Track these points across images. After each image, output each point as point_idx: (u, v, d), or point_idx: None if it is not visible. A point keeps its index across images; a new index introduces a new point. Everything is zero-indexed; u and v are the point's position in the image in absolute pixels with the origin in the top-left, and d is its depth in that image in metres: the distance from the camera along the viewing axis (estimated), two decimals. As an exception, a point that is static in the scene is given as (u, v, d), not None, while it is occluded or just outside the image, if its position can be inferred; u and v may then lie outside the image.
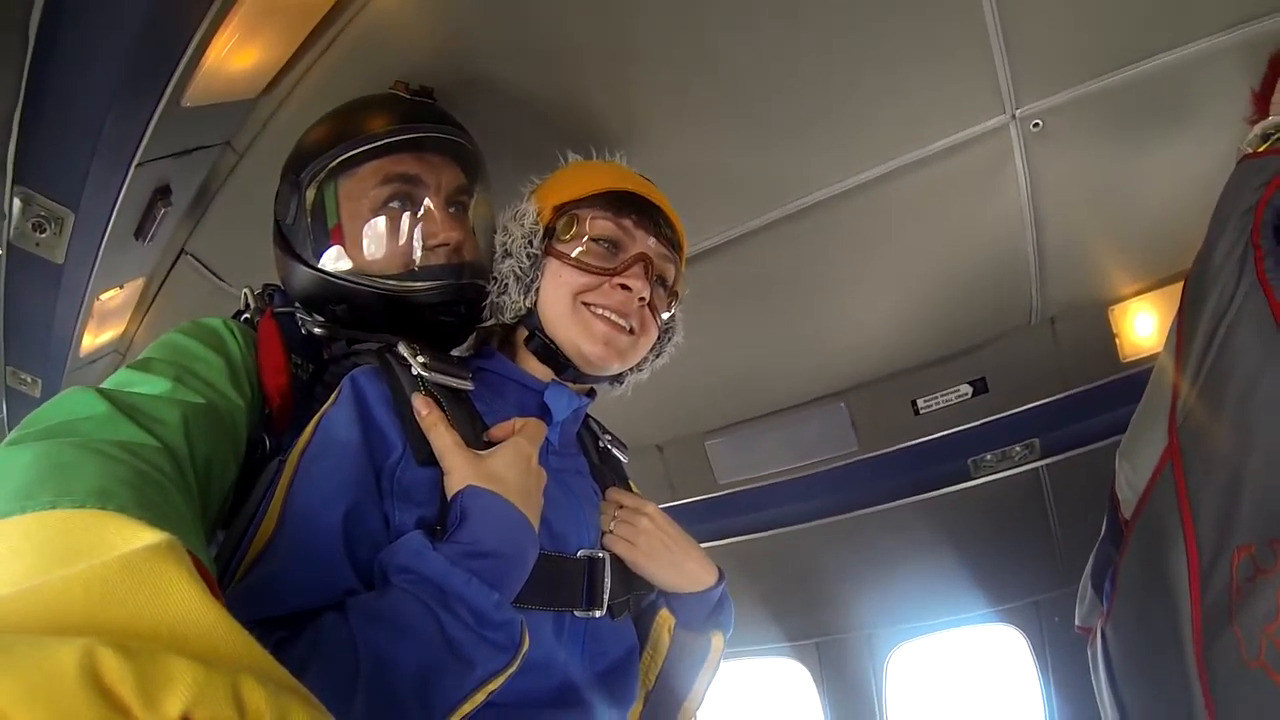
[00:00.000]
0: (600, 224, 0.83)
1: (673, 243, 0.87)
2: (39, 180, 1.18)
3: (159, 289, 1.60)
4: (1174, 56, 1.14)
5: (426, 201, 0.87)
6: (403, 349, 0.75)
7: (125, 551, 0.33)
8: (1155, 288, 1.69)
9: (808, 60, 1.11)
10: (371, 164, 0.87)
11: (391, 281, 0.84)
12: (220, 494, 0.67)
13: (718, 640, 0.90)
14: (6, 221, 1.23)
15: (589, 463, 0.91)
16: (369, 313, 0.85)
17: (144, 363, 0.70)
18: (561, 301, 0.81)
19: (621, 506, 0.85)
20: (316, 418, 0.69)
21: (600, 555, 0.78)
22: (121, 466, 0.48)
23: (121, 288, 1.54)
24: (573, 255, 0.82)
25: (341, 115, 0.92)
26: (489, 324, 0.87)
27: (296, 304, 0.89)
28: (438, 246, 0.86)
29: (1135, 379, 1.78)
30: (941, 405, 1.73)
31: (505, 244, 0.85)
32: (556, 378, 0.83)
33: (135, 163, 1.13)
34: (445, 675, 0.57)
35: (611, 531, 0.82)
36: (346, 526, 0.61)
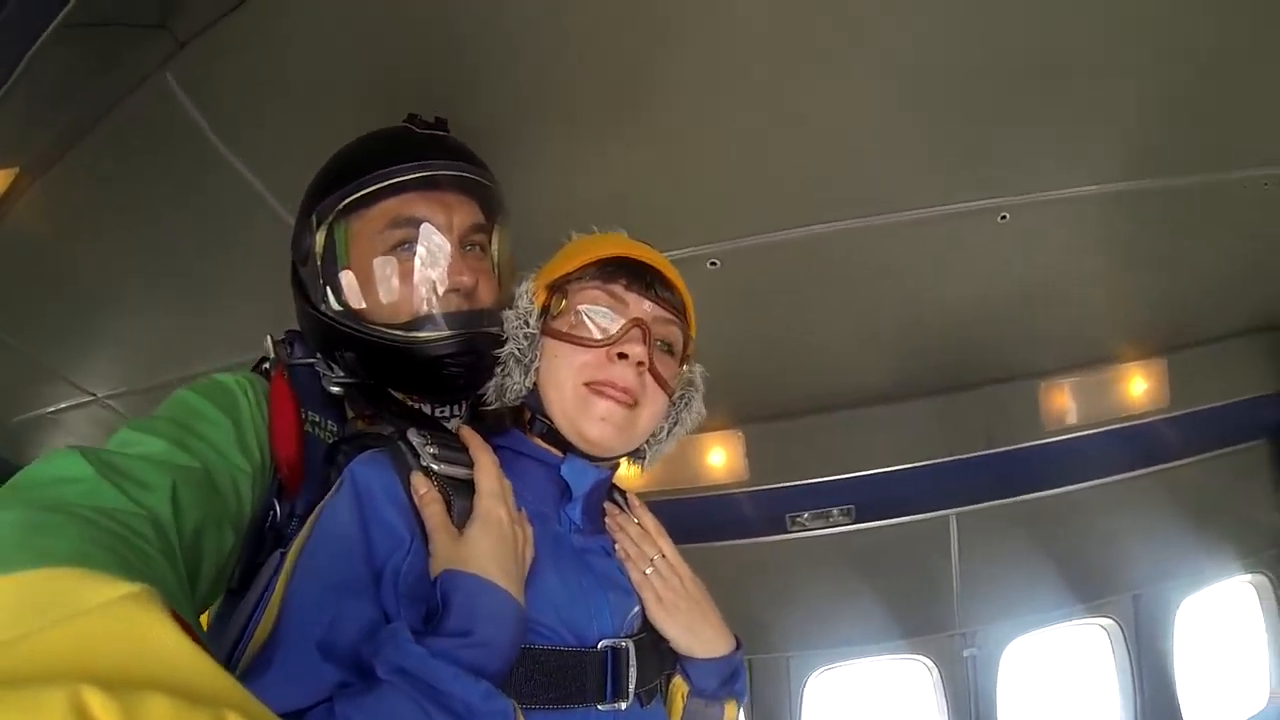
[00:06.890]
0: (590, 293, 0.79)
1: (674, 305, 0.82)
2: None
3: None
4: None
5: (436, 243, 0.83)
6: (413, 437, 0.73)
7: (107, 599, 0.34)
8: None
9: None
10: (379, 205, 0.83)
11: (397, 331, 0.81)
12: (215, 560, 0.66)
13: (731, 709, 0.87)
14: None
15: None
16: (375, 362, 0.83)
17: (149, 422, 0.70)
18: (559, 381, 0.78)
19: (662, 556, 0.84)
20: (317, 511, 0.67)
21: (624, 645, 0.74)
22: (102, 532, 0.49)
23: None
24: (565, 331, 0.78)
25: (351, 153, 0.89)
26: (494, 407, 0.83)
27: (317, 353, 0.86)
28: (449, 292, 0.83)
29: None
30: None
31: (505, 329, 0.83)
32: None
33: None
34: None
35: (645, 575, 0.82)
36: (342, 627, 0.60)
